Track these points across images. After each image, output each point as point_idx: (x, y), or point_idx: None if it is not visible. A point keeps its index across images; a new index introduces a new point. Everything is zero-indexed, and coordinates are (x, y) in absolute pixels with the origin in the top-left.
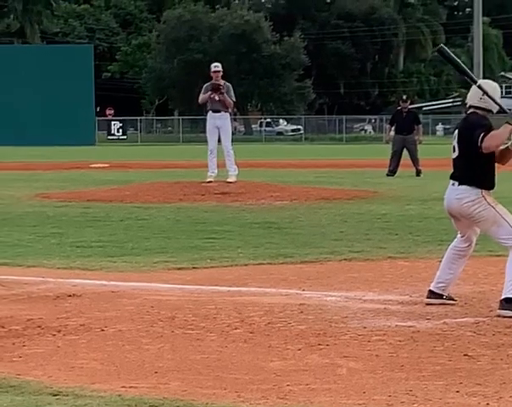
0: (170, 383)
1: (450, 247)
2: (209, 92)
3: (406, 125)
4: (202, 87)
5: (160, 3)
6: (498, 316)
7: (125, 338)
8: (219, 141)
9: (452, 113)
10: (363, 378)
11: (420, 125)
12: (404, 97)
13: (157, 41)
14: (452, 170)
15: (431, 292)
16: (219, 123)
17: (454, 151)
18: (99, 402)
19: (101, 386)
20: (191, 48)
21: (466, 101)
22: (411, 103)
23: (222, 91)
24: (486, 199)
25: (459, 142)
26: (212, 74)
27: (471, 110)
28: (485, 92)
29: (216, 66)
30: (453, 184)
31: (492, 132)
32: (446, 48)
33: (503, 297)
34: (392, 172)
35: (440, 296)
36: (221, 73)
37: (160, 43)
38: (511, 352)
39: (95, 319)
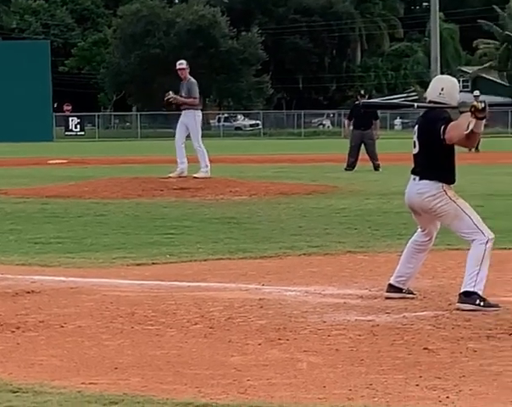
0: (130, 379)
1: (410, 241)
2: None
3: (364, 120)
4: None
5: None
6: (458, 310)
7: (85, 334)
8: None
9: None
10: (323, 372)
11: (378, 121)
12: (362, 91)
13: (114, 36)
14: (413, 165)
15: (390, 286)
16: (185, 120)
17: (415, 146)
18: (59, 398)
19: (61, 382)
20: (148, 44)
21: (426, 95)
22: (369, 98)
23: (173, 102)
24: (447, 194)
25: (419, 138)
26: (177, 71)
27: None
28: (421, 106)
29: (180, 64)
30: (414, 179)
31: (452, 123)
32: (366, 101)
33: (462, 290)
34: (350, 167)
35: (399, 290)
36: (186, 70)
37: (117, 38)
38: (471, 345)
39: (54, 315)
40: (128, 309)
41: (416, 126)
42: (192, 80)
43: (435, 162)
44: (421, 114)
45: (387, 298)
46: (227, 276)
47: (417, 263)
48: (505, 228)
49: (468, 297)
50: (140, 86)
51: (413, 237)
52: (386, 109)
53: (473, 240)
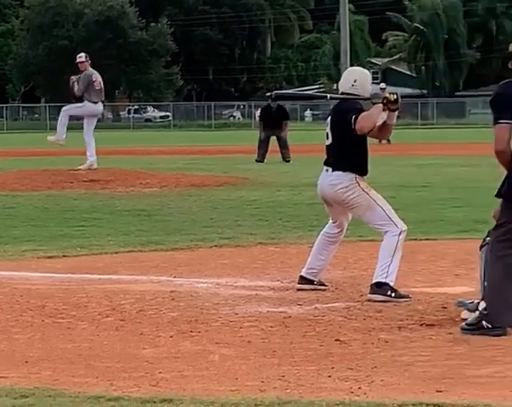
0: (41, 372)
1: (321, 233)
2: None
3: (275, 121)
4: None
5: None
6: (369, 301)
7: None
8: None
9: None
10: (235, 364)
11: (288, 121)
12: (273, 95)
13: (21, 27)
14: (325, 157)
15: (302, 277)
16: None
17: (328, 138)
18: None
19: None
20: (56, 35)
21: (339, 87)
22: (280, 89)
23: (73, 90)
24: (359, 185)
25: (332, 129)
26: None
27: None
28: (334, 98)
29: (79, 57)
30: (326, 170)
31: (364, 113)
32: (279, 92)
33: (373, 281)
34: (261, 157)
35: (311, 281)
36: (86, 63)
37: (25, 29)
38: (382, 336)
39: None
40: (39, 302)
41: (329, 118)
42: (88, 72)
43: (347, 153)
44: (334, 105)
45: (299, 289)
46: (138, 269)
47: (328, 255)
48: (416, 219)
49: (379, 288)
50: (48, 77)
51: (324, 229)
52: (299, 100)
53: (386, 231)
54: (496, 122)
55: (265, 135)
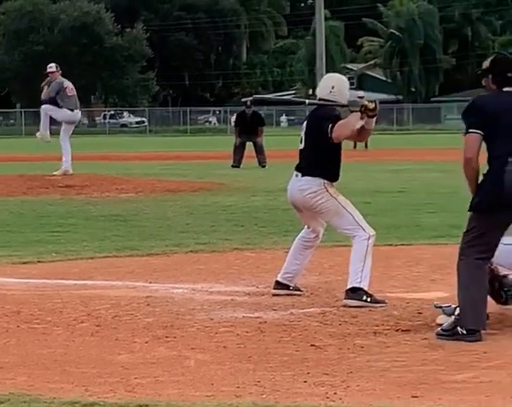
0: (17, 378)
1: (298, 237)
2: None
3: (250, 127)
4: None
5: None
6: (344, 306)
7: None
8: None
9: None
10: (211, 370)
11: (263, 127)
12: (248, 102)
13: None
14: (298, 161)
15: (277, 282)
16: None
17: (301, 142)
18: None
19: None
20: (32, 40)
21: (316, 93)
22: (256, 94)
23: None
24: (328, 190)
25: (306, 134)
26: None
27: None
28: (312, 103)
29: (50, 67)
30: (296, 175)
31: (340, 121)
32: (258, 96)
33: (348, 286)
34: (237, 163)
35: (286, 287)
36: (56, 73)
37: (0, 35)
38: (358, 341)
39: None
40: (14, 308)
41: (305, 122)
42: (58, 80)
43: (320, 159)
44: (311, 111)
45: (274, 294)
46: (114, 274)
47: (304, 259)
48: (390, 224)
49: (354, 293)
50: (24, 83)
51: (300, 234)
52: (277, 105)
53: (354, 236)
54: (466, 132)
55: (241, 140)
